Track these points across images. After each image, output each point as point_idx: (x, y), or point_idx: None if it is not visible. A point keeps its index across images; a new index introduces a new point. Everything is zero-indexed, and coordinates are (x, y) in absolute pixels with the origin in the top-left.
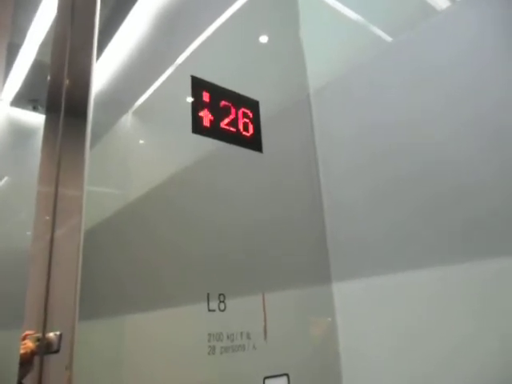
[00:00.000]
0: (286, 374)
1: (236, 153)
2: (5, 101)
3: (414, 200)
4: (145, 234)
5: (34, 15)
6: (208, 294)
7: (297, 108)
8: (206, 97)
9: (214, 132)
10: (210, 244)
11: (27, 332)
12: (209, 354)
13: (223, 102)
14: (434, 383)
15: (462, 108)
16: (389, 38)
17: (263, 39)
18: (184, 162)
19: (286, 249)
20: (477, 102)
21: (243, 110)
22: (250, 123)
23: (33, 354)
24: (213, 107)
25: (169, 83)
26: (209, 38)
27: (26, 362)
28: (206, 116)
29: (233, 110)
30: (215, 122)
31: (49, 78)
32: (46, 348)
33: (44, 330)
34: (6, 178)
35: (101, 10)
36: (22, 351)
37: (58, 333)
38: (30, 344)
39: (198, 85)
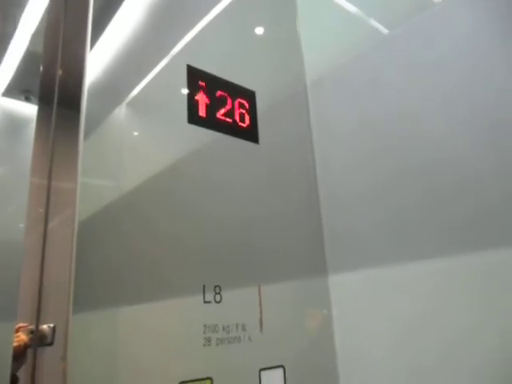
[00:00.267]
0: (282, 366)
1: (232, 144)
2: None
3: (412, 192)
4: (140, 227)
5: (25, 3)
6: (204, 286)
7: (293, 99)
8: (201, 86)
9: (209, 122)
10: (205, 235)
11: (20, 324)
12: (204, 345)
13: (219, 92)
14: (431, 377)
15: (459, 100)
16: (385, 30)
17: (259, 31)
18: (179, 153)
19: (282, 240)
20: (473, 93)
21: (239, 100)
22: (246, 114)
23: (26, 346)
24: (209, 97)
25: (164, 73)
26: (204, 29)
27: (19, 354)
28: (202, 104)
29: (229, 101)
30: (211, 113)
31: (41, 68)
32: (39, 340)
33: (37, 323)
34: None
35: None
36: (15, 344)
37: (51, 325)
38: (23, 337)
39: (193, 74)
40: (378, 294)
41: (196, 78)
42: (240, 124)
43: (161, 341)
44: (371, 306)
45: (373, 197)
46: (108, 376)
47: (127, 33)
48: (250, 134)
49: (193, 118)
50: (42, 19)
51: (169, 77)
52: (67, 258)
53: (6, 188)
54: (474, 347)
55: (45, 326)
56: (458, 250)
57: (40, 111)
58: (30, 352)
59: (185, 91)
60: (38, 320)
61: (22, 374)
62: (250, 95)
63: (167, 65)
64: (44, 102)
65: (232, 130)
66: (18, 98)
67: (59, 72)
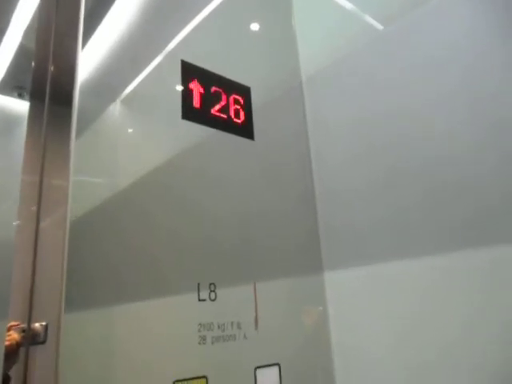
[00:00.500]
0: (277, 364)
1: (227, 140)
2: None
3: (410, 188)
4: (135, 224)
5: None
6: (198, 284)
7: (289, 95)
8: (196, 82)
9: (204, 118)
10: (200, 232)
11: (12, 323)
12: (199, 343)
13: (214, 88)
14: (430, 375)
15: (456, 97)
16: (380, 26)
17: (254, 26)
18: (174, 150)
19: (277, 237)
20: (471, 90)
21: (234, 96)
22: (241, 110)
23: (18, 345)
24: (203, 93)
25: (158, 70)
26: (199, 24)
27: (11, 353)
28: (197, 100)
29: (224, 96)
30: (206, 108)
31: (33, 64)
32: (31, 339)
33: (29, 321)
34: None
35: None
36: (6, 343)
37: (44, 323)
38: (15, 335)
39: (188, 70)
40: (375, 292)
41: (191, 73)
42: (235, 120)
43: (155, 339)
44: (368, 303)
45: (369, 193)
46: (102, 375)
47: (121, 29)
48: (245, 130)
49: (187, 113)
50: (35, 14)
51: (163, 73)
52: (59, 255)
53: None
54: (473, 345)
55: (37, 325)
56: (457, 247)
57: (32, 107)
58: (22, 351)
59: (179, 87)
60: (29, 318)
61: (14, 373)
62: (245, 91)
63: (161, 62)
64: (36, 99)
65: (227, 126)
66: (11, 95)
67: (51, 68)
